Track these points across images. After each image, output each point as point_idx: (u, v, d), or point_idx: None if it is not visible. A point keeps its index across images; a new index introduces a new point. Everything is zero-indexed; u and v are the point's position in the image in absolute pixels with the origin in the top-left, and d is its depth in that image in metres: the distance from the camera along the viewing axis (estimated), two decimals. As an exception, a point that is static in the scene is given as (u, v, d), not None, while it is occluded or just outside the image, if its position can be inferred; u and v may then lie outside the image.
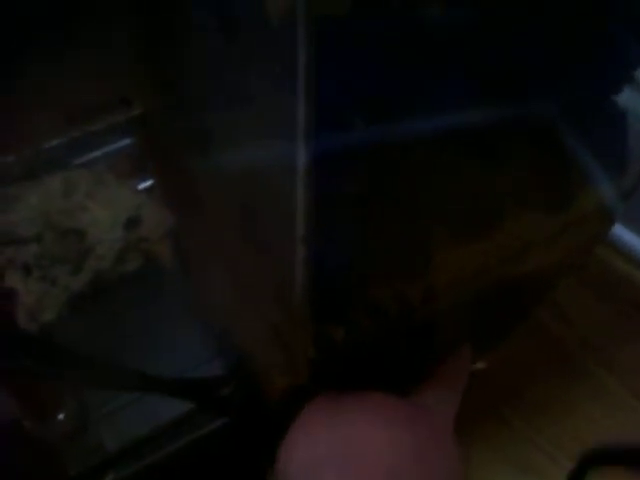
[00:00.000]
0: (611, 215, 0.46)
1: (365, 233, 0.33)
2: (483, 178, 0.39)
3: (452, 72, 0.31)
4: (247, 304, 0.40)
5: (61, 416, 0.40)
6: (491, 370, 0.56)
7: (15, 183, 0.46)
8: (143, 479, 0.40)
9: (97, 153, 0.48)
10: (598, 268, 0.62)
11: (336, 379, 0.37)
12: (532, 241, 0.41)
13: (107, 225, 0.43)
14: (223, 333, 0.43)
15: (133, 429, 0.40)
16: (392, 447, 0.33)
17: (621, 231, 0.63)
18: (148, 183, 0.48)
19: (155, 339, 0.42)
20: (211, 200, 0.42)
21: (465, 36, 0.29)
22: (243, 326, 0.41)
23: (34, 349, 0.34)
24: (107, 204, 0.44)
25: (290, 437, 0.34)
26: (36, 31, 0.44)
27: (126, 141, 0.49)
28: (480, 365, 0.56)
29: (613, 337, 0.60)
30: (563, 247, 0.45)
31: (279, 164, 0.29)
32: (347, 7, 0.24)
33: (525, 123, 0.37)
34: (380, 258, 0.34)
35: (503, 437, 0.56)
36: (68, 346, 0.36)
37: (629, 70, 0.39)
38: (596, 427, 0.56)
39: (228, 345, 0.43)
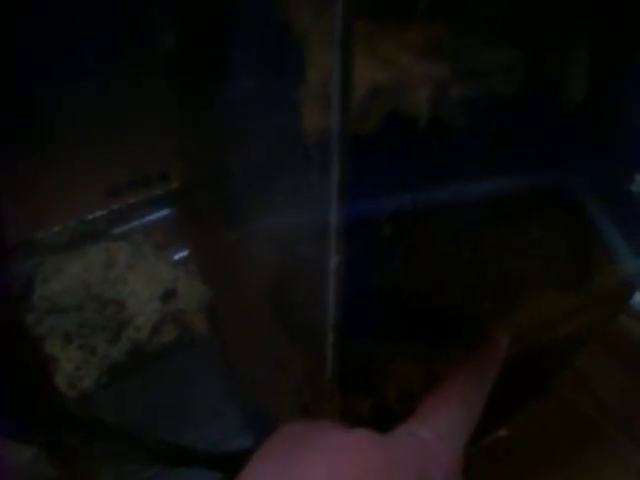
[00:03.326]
0: (632, 288, 0.47)
1: (394, 318, 0.34)
2: (504, 258, 0.40)
3: (474, 163, 0.32)
4: (278, 378, 0.41)
5: (99, 484, 0.41)
6: (512, 437, 0.57)
7: (59, 253, 0.48)
8: None
9: (135, 223, 0.50)
10: (618, 335, 0.63)
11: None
12: (551, 317, 0.42)
13: (145, 297, 0.45)
14: (254, 405, 0.44)
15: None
16: None
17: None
18: (184, 253, 0.50)
19: (188, 410, 0.44)
20: (244, 274, 0.44)
21: (488, 136, 0.31)
22: (273, 399, 0.42)
23: (71, 425, 0.35)
24: (145, 276, 0.46)
25: None
26: (81, 111, 0.47)
27: (164, 212, 0.51)
28: (502, 432, 0.56)
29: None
30: (583, 319, 0.46)
31: (310, 258, 0.30)
32: (376, 126, 0.26)
33: (546, 197, 0.38)
34: (408, 339, 0.35)
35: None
36: (105, 415, 0.38)
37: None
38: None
39: (259, 417, 0.44)
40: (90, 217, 0.49)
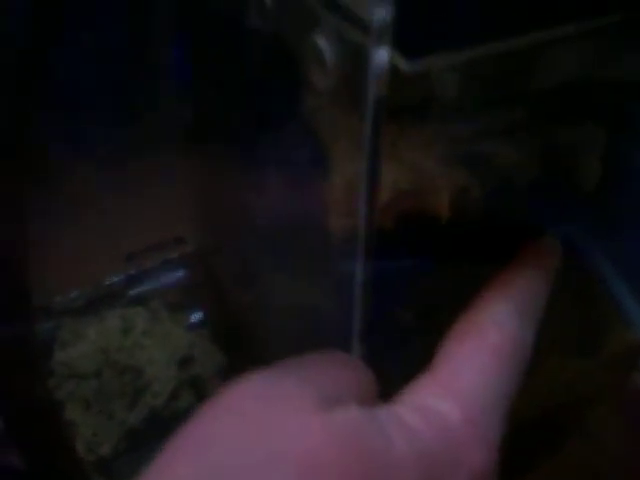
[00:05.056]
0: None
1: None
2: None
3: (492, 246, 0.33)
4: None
5: None
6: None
7: (76, 318, 0.49)
8: None
9: (151, 288, 0.51)
10: (629, 392, 0.63)
11: None
12: (562, 381, 0.42)
13: (162, 363, 0.46)
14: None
15: None
16: None
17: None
18: (200, 317, 0.51)
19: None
20: (260, 339, 0.45)
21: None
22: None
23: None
24: (162, 342, 0.47)
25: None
26: (96, 177, 0.48)
27: (179, 276, 0.52)
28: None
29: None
30: (595, 383, 0.46)
31: (331, 339, 0.31)
32: (396, 224, 0.27)
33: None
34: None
35: None
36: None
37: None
38: None
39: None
40: (107, 282, 0.50)
